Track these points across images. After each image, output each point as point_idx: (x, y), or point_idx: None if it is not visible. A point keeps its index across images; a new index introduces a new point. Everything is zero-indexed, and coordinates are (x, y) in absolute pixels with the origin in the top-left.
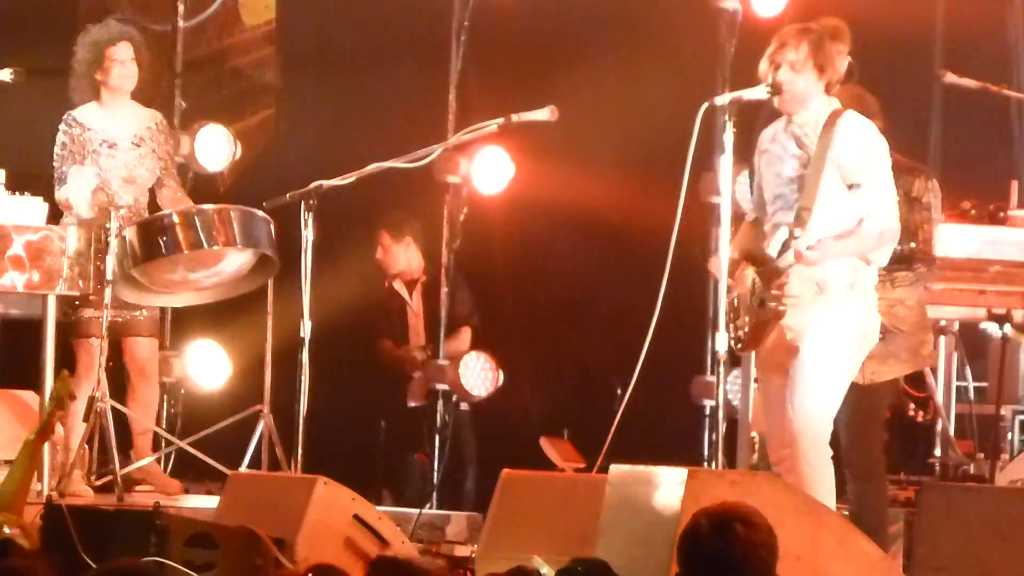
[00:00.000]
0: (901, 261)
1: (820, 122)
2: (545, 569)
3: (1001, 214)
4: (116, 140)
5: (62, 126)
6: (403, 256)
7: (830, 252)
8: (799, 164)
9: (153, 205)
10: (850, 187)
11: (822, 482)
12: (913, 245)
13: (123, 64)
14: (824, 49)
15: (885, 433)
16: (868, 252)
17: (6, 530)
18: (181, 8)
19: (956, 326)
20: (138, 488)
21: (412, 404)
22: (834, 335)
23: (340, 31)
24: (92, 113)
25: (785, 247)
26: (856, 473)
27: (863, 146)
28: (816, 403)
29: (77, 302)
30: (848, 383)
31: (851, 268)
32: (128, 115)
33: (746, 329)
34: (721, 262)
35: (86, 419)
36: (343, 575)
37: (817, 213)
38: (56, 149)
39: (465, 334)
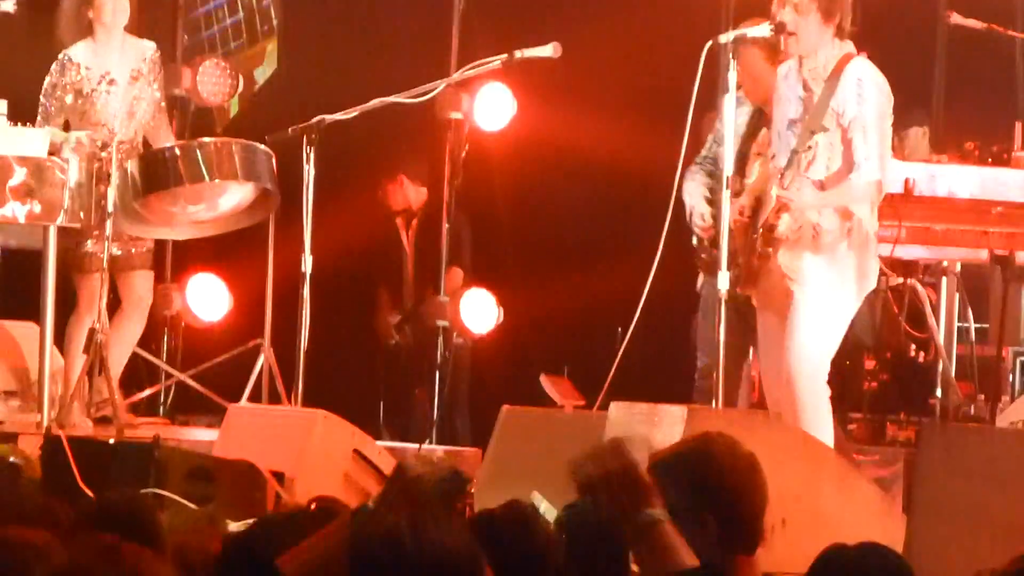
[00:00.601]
0: None
1: (828, 67)
2: (544, 505)
3: (1005, 155)
4: (115, 76)
5: (54, 66)
6: (399, 195)
7: (809, 197)
8: (802, 107)
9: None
10: (845, 135)
11: (818, 422)
12: None
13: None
14: None
15: None
16: (850, 203)
17: (11, 459)
18: None
19: (958, 267)
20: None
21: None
22: (830, 278)
23: None
24: (87, 51)
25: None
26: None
27: (861, 96)
28: (812, 345)
29: (79, 235)
30: (845, 326)
31: (847, 212)
32: (124, 49)
33: (742, 268)
34: (723, 201)
35: (86, 351)
36: (346, 508)
37: (809, 157)
38: (44, 86)
39: (456, 273)
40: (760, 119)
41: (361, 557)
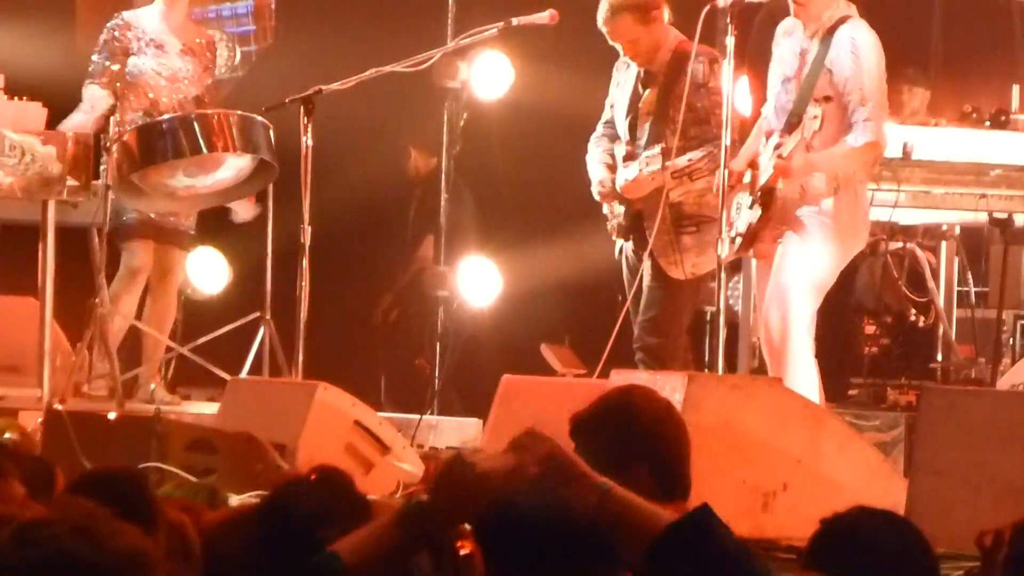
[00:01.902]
0: (694, 150)
1: (826, 27)
2: None
3: (1003, 118)
4: (166, 46)
5: (109, 23)
6: (407, 165)
7: (808, 164)
8: (797, 65)
9: None
10: (840, 97)
11: (799, 371)
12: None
13: None
14: None
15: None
16: (845, 167)
17: (7, 435)
18: None
19: (957, 231)
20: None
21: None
22: (817, 228)
23: None
24: (147, 15)
25: (775, 151)
26: (654, 362)
27: (855, 55)
28: (794, 291)
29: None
30: (828, 279)
31: (833, 173)
32: (184, 24)
33: (740, 230)
34: (720, 167)
35: (86, 326)
36: (346, 476)
37: (815, 127)
38: (98, 45)
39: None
40: (648, 80)
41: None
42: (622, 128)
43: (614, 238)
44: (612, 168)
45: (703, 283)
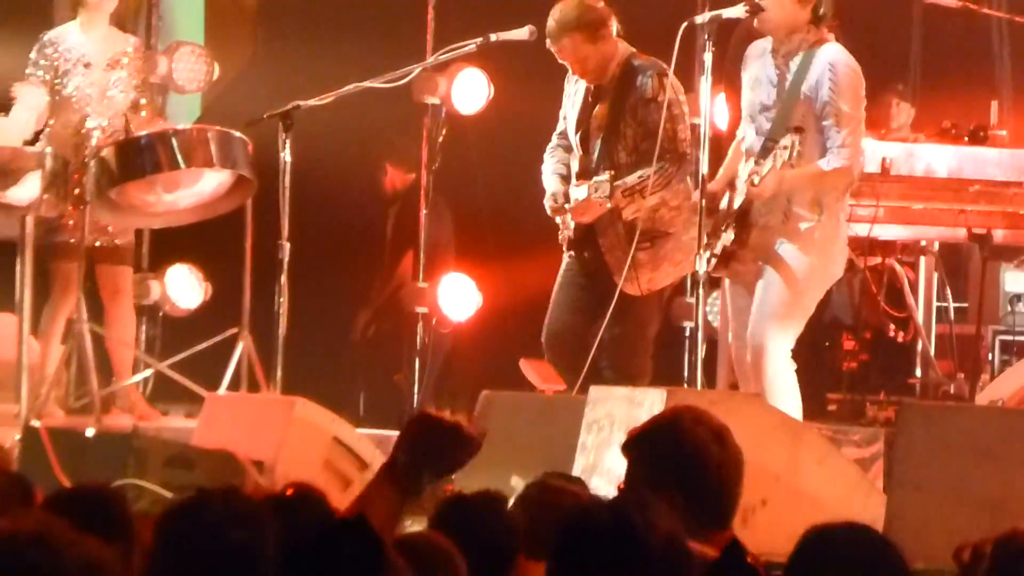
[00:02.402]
0: (647, 165)
1: (801, 51)
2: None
3: (981, 133)
4: (91, 60)
5: (36, 46)
6: (385, 181)
7: (778, 185)
8: (775, 93)
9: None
10: (817, 121)
11: (785, 403)
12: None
13: None
14: None
15: (652, 345)
16: (820, 192)
17: None
18: None
19: (936, 246)
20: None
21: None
22: (800, 264)
23: None
24: (68, 32)
25: (749, 176)
26: (621, 378)
27: (833, 82)
28: (776, 322)
29: (55, 223)
30: (809, 310)
31: (817, 197)
32: (105, 37)
33: (717, 251)
34: (699, 182)
35: (64, 342)
36: (321, 494)
37: (792, 155)
38: (27, 69)
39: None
40: (598, 94)
41: None
42: (574, 141)
43: (564, 249)
44: (566, 179)
45: (665, 298)
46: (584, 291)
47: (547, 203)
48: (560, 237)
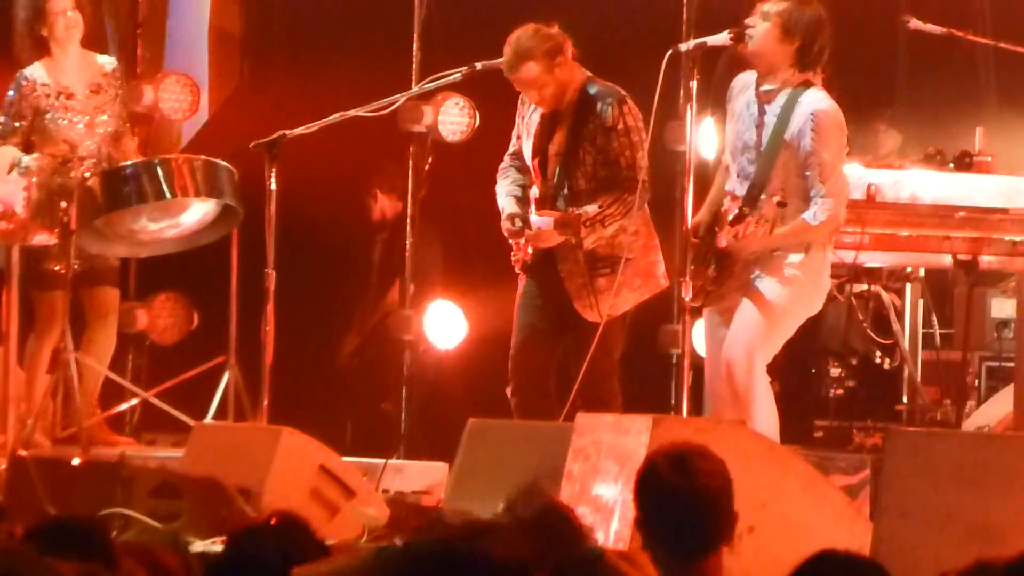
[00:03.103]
0: (607, 192)
1: (784, 94)
2: None
3: (967, 160)
4: (73, 90)
5: (12, 85)
6: (374, 208)
7: (762, 243)
8: (756, 135)
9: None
10: (800, 169)
11: (762, 421)
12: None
13: (64, 15)
14: (799, 15)
15: (618, 367)
16: (804, 240)
17: None
18: None
19: (922, 273)
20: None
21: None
22: (779, 297)
23: None
24: (43, 69)
25: (734, 222)
26: (595, 404)
27: (815, 132)
28: (754, 345)
29: (38, 253)
30: (787, 335)
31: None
32: (81, 64)
33: (701, 285)
34: (687, 210)
35: (50, 371)
36: (304, 522)
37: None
38: (3, 105)
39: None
40: (556, 120)
41: None
42: (531, 166)
43: (517, 271)
44: (521, 200)
45: (627, 321)
46: (544, 312)
47: (504, 225)
48: (514, 259)
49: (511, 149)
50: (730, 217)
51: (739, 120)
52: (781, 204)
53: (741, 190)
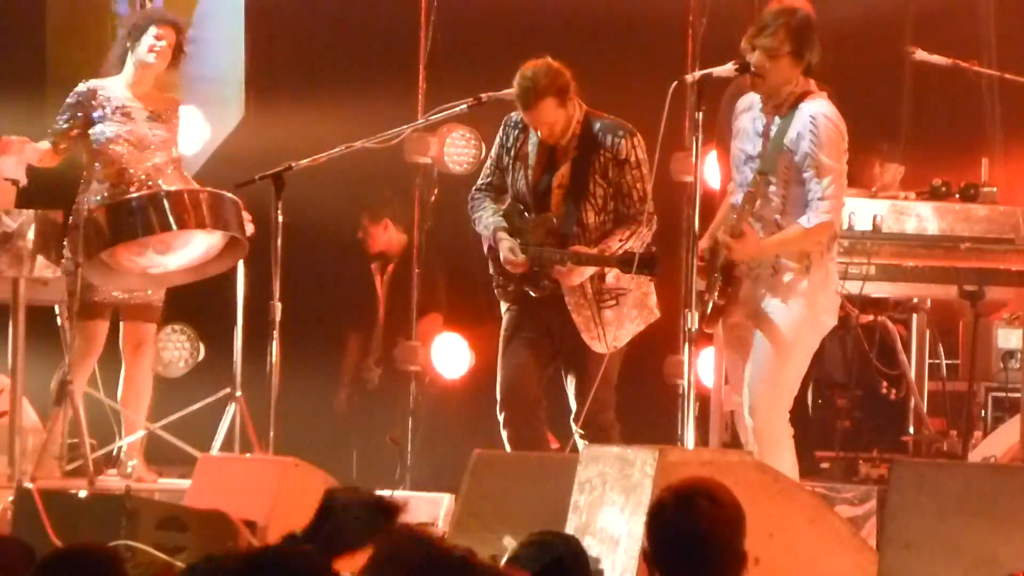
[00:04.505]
0: (622, 226)
1: (788, 103)
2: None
3: (972, 191)
4: (131, 110)
5: (76, 89)
6: (382, 238)
7: (760, 250)
8: (761, 145)
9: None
10: (798, 173)
11: (780, 458)
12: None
13: (158, 41)
14: (802, 35)
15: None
16: (802, 245)
17: None
18: None
19: (928, 303)
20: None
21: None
22: (790, 317)
23: (310, 12)
24: (113, 83)
25: (731, 229)
26: (599, 434)
27: (813, 134)
28: (772, 382)
29: (81, 283)
30: (806, 363)
31: (804, 249)
32: (151, 90)
33: (707, 307)
34: (693, 240)
35: (57, 403)
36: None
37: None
38: (63, 107)
39: (434, 319)
40: (560, 153)
41: None
42: (526, 196)
43: (506, 303)
44: (513, 232)
45: (621, 354)
46: (533, 344)
47: (506, 256)
48: (503, 291)
49: (486, 179)
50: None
51: (743, 136)
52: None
53: (742, 199)
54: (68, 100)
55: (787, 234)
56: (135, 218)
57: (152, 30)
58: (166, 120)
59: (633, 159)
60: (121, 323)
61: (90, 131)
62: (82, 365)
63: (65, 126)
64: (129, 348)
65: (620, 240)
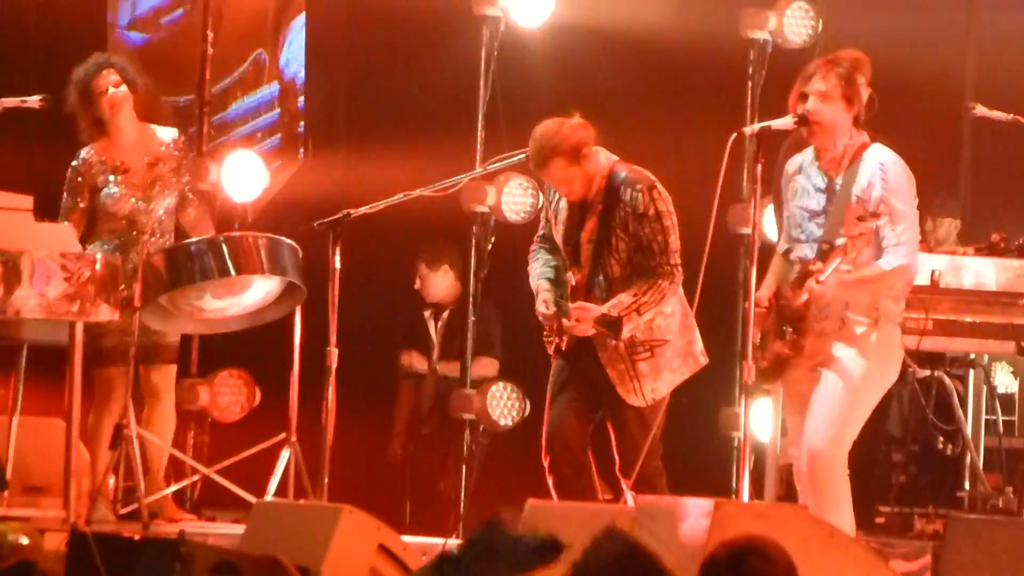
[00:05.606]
0: (641, 279)
1: (848, 156)
2: None
3: None
4: (129, 164)
5: (72, 163)
6: (440, 284)
7: (839, 288)
8: (824, 199)
9: (179, 230)
10: (872, 223)
11: (837, 509)
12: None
13: (107, 92)
14: (853, 81)
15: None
16: (878, 295)
17: (22, 540)
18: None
19: (985, 359)
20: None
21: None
22: (857, 370)
23: (369, 60)
24: (100, 146)
25: (802, 281)
26: (644, 486)
27: (885, 180)
28: (832, 432)
29: (97, 329)
30: (865, 417)
31: (874, 302)
32: (138, 138)
33: (769, 361)
34: (750, 292)
35: (112, 447)
36: None
37: (837, 248)
38: (65, 184)
39: (490, 364)
40: (587, 207)
41: None
42: (562, 250)
43: (550, 352)
44: (553, 283)
45: (662, 405)
46: (578, 393)
47: (539, 308)
48: (547, 341)
49: (540, 232)
50: (812, 267)
51: (802, 196)
52: (862, 218)
53: (811, 252)
54: (68, 176)
55: (866, 273)
56: (193, 263)
57: (97, 86)
58: (166, 157)
59: (652, 212)
60: (138, 368)
61: (98, 197)
62: (105, 412)
63: (75, 201)
64: (150, 395)
65: (634, 295)
